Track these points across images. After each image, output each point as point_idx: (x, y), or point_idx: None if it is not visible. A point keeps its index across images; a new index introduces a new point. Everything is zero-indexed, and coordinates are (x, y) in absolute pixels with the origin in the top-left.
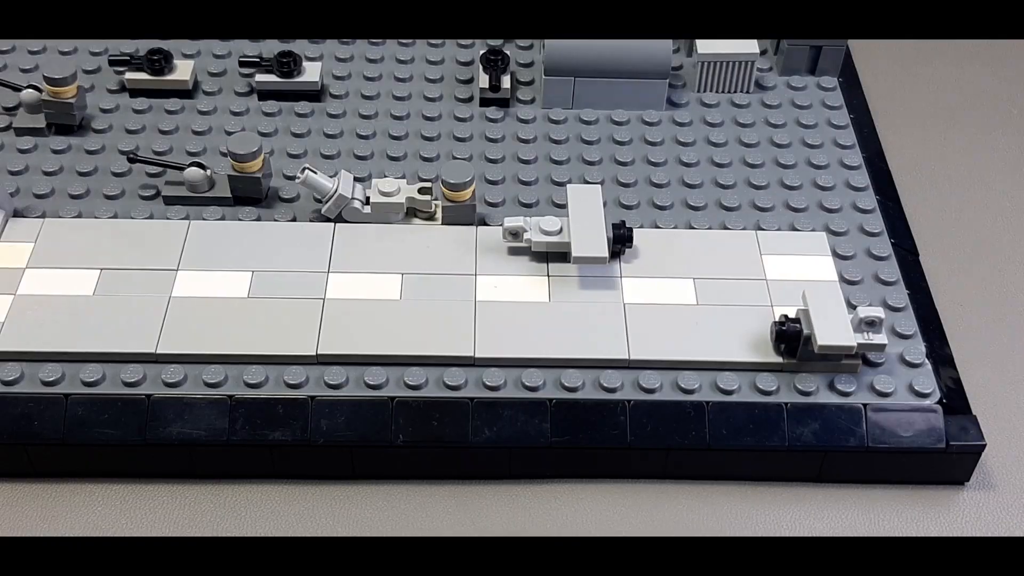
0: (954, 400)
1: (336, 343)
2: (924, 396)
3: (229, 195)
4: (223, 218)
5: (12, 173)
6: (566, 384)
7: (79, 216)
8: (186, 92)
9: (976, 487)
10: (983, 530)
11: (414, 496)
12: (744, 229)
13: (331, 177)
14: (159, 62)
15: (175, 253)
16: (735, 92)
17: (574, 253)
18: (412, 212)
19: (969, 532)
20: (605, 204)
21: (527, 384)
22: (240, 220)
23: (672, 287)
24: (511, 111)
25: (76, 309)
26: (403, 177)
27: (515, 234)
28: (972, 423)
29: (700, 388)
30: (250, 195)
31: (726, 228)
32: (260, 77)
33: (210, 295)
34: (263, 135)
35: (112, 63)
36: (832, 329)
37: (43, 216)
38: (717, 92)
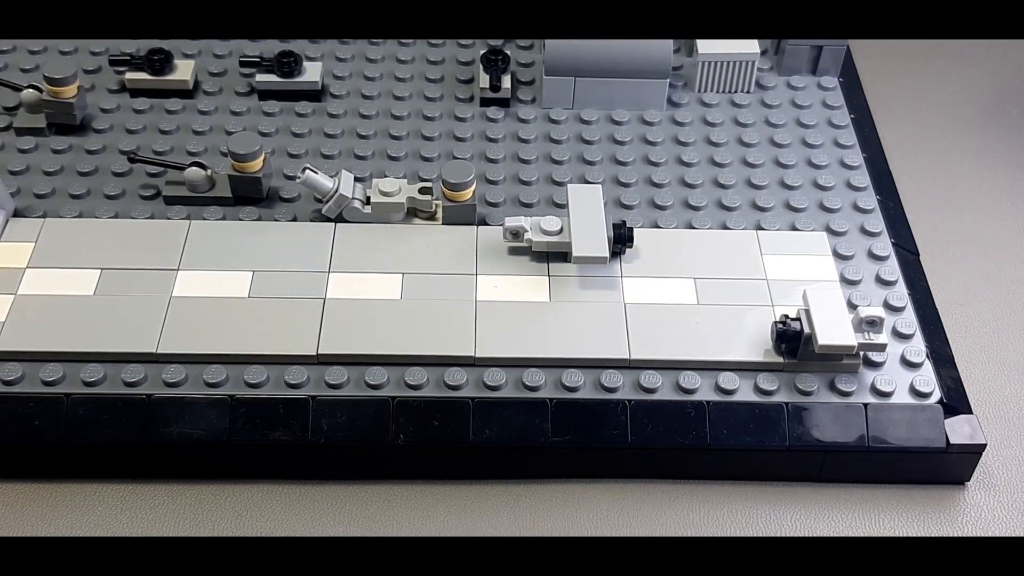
0: (954, 400)
1: (336, 343)
2: (925, 396)
3: (229, 195)
4: (223, 218)
5: (13, 173)
6: (566, 384)
7: (80, 216)
8: (186, 92)
9: (977, 487)
10: (983, 530)
11: (414, 496)
12: (744, 229)
13: (331, 177)
14: (159, 62)
15: (175, 253)
16: (735, 92)
17: (574, 253)
18: (412, 212)
19: (969, 532)
20: (605, 204)
21: (527, 384)
22: (240, 220)
23: (672, 287)
24: (511, 111)
25: (77, 309)
26: (403, 177)
27: (515, 234)
28: (973, 423)
29: (700, 388)
30: (250, 195)
31: (726, 228)
32: (260, 77)
33: (211, 295)
34: (263, 135)
35: (112, 63)
36: (833, 329)
37: (44, 216)
38: (717, 92)
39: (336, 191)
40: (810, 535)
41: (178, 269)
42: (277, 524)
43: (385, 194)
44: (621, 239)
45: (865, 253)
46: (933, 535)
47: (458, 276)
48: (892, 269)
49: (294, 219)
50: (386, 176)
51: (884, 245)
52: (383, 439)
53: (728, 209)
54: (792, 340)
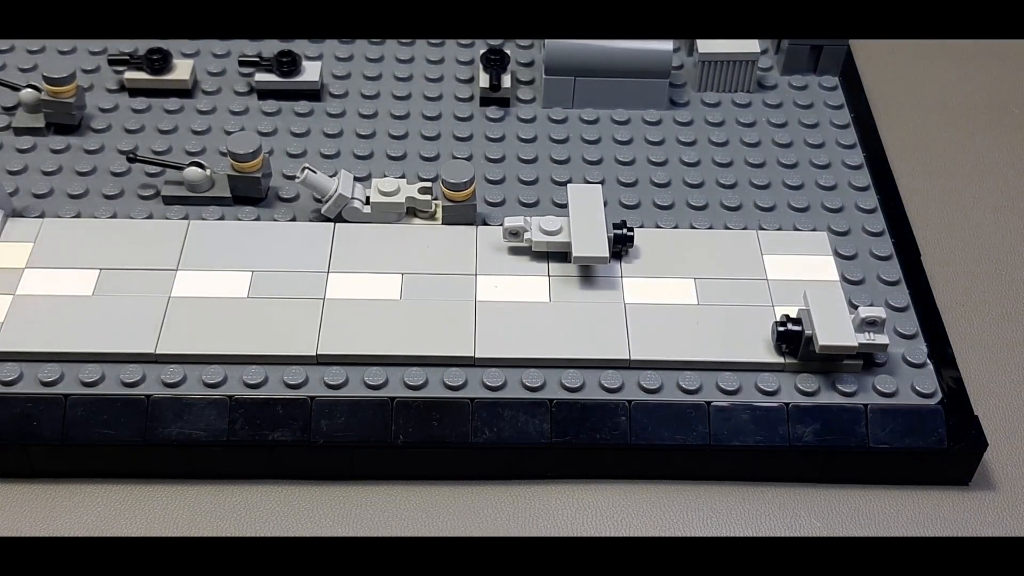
0: (956, 400)
1: (336, 343)
2: (926, 396)
3: (229, 195)
4: (223, 218)
5: (11, 173)
6: (566, 384)
7: (78, 216)
8: (185, 92)
9: (977, 488)
10: (984, 531)
11: (414, 496)
12: (745, 229)
13: (331, 177)
14: (158, 61)
15: (174, 253)
16: (736, 92)
17: (575, 253)
18: (412, 212)
19: (970, 533)
20: (606, 204)
21: (527, 384)
22: (240, 220)
23: (673, 287)
24: (511, 110)
25: (75, 309)
26: (403, 177)
27: (515, 234)
28: (974, 424)
29: (701, 388)
30: (250, 195)
31: (727, 228)
32: (260, 76)
33: (210, 295)
34: (263, 135)
35: (111, 63)
36: (833, 329)
37: (42, 216)
38: (718, 91)
39: (336, 191)
40: (810, 535)
41: (177, 269)
42: (277, 524)
43: (385, 194)
44: (621, 239)
45: (866, 253)
46: (934, 535)
47: (458, 276)
48: (893, 269)
49: (293, 219)
50: (386, 176)
51: (885, 245)
52: (383, 439)
53: (729, 209)
54: (793, 340)
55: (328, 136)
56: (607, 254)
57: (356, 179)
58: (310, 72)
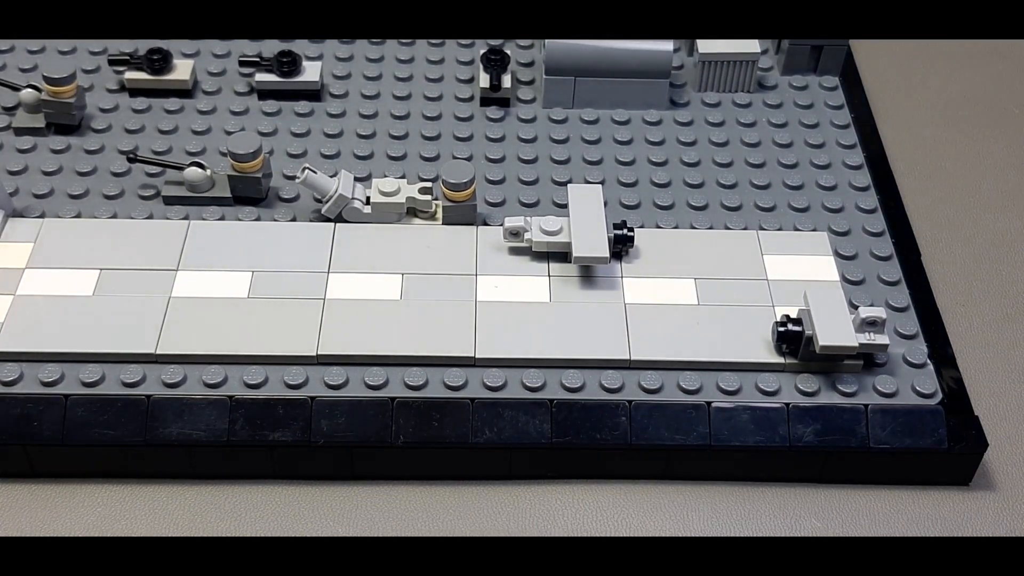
0: (956, 401)
1: (336, 343)
2: (926, 397)
3: (229, 195)
4: (223, 218)
5: (11, 173)
6: (567, 384)
7: (78, 216)
8: (186, 92)
9: (978, 488)
10: (985, 531)
11: (414, 496)
12: (745, 229)
13: (331, 177)
14: (159, 62)
15: (175, 253)
16: (736, 92)
17: (575, 253)
18: (412, 212)
19: (970, 533)
20: (606, 204)
21: (528, 384)
22: (240, 220)
23: (673, 287)
24: (512, 111)
25: (76, 309)
26: (403, 177)
27: (516, 234)
28: (974, 424)
29: (701, 388)
30: (250, 195)
31: (727, 228)
32: (260, 76)
33: (210, 295)
34: (263, 135)
35: (111, 63)
36: (834, 329)
37: (42, 216)
38: (718, 92)
39: (336, 191)
40: (810, 535)
41: (177, 269)
42: (277, 524)
43: (385, 194)
44: (622, 239)
45: (866, 253)
46: (934, 536)
47: (458, 276)
48: (893, 269)
49: (294, 219)
50: (386, 176)
51: (885, 245)
52: (383, 439)
53: (729, 209)
54: (793, 340)
55: (328, 136)
56: (607, 254)
57: (356, 179)
58: (310, 72)
